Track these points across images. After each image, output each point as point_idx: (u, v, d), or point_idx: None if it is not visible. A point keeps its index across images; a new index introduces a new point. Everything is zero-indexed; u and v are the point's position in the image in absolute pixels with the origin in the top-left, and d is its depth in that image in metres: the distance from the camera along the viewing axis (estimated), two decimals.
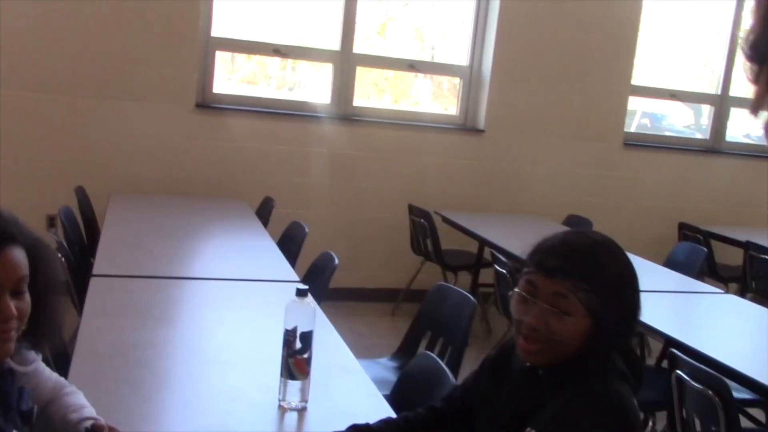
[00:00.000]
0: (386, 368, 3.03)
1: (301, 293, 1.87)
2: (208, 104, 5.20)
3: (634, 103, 6.34)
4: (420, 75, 6.07)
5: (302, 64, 5.92)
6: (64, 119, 4.87)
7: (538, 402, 1.46)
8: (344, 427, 1.64)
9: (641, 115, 6.87)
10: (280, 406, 1.90)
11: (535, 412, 1.45)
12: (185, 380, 2.07)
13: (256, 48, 5.51)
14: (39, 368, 1.60)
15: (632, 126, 6.57)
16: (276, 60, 5.79)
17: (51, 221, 4.77)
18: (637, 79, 6.14)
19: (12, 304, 1.29)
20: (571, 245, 1.48)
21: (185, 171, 5.15)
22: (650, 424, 3.27)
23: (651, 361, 4.09)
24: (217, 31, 5.23)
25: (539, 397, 1.47)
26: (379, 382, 2.44)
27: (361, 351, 4.59)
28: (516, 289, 1.50)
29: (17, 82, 4.73)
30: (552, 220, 5.43)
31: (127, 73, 4.92)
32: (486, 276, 5.02)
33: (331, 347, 2.39)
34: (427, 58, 6.08)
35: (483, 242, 4.87)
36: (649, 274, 3.98)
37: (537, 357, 1.47)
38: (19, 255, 1.32)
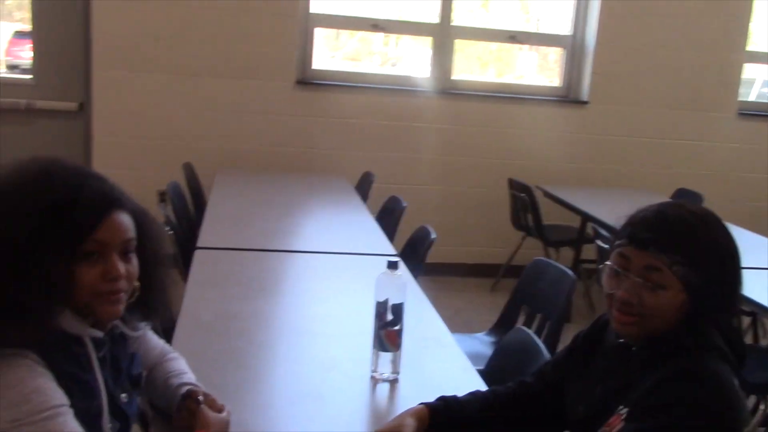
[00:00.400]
0: (482, 343, 3.02)
1: (392, 266, 1.88)
2: (309, 80, 5.27)
3: (752, 71, 6.00)
4: (525, 48, 5.94)
5: (405, 40, 5.90)
6: (172, 98, 5.06)
7: (631, 379, 1.42)
8: (433, 399, 1.65)
9: (762, 83, 6.49)
10: (372, 377, 1.93)
11: (628, 390, 1.41)
12: (282, 350, 2.13)
13: (354, 23, 5.54)
14: (148, 335, 1.68)
15: (751, 95, 6.21)
16: (380, 36, 5.80)
17: (161, 196, 4.98)
18: (755, 45, 5.80)
19: (120, 265, 1.35)
20: (666, 217, 1.41)
21: (287, 147, 5.26)
22: (761, 407, 3.12)
23: (765, 342, 3.90)
24: (315, 7, 5.29)
25: (632, 375, 1.43)
26: (474, 357, 2.43)
27: (460, 326, 4.59)
28: (607, 263, 1.46)
29: (130, 63, 4.95)
30: (659, 194, 5.23)
31: (230, 52, 5.05)
32: (589, 252, 4.90)
33: (425, 320, 2.40)
34: (532, 30, 5.94)
35: (585, 217, 4.75)
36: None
37: (631, 330, 1.42)
38: (125, 219, 1.38)
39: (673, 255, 1.37)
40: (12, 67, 5.30)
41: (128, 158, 5.06)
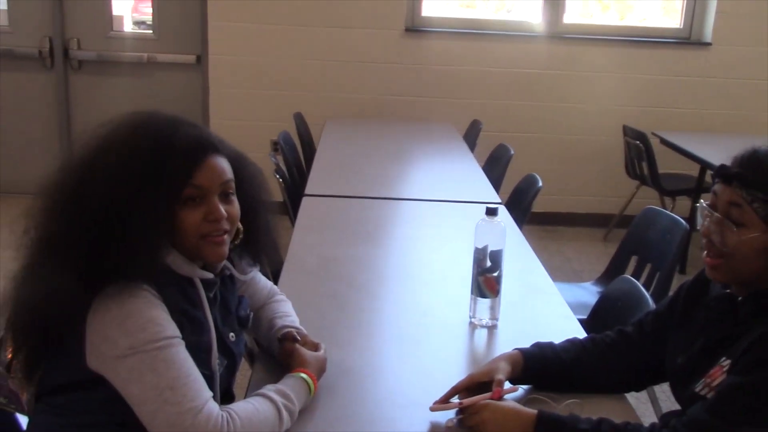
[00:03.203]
0: (589, 292, 2.97)
1: (491, 212, 1.88)
2: (417, 28, 5.24)
3: None
4: None
5: None
6: (283, 49, 5.15)
7: (735, 331, 1.37)
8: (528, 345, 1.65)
9: None
10: (470, 323, 1.95)
11: (731, 342, 1.37)
12: (382, 294, 2.18)
13: None
14: (256, 277, 1.76)
15: None
16: None
17: (275, 146, 5.13)
18: None
19: (221, 206, 1.42)
20: (759, 154, 1.36)
21: (395, 95, 5.27)
22: None
23: None
24: None
25: (736, 326, 1.38)
26: (578, 306, 2.40)
27: (570, 275, 4.52)
28: (703, 202, 1.41)
29: (243, 16, 5.07)
30: None
31: (340, 1, 5.08)
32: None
33: (527, 268, 2.39)
34: None
35: (704, 165, 4.53)
36: None
37: (717, 273, 1.39)
38: (222, 162, 1.43)
39: (754, 191, 1.31)
40: (139, 23, 5.53)
41: (243, 109, 5.21)
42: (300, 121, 4.76)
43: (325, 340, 1.66)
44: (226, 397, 1.54)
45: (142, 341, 1.29)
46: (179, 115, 1.46)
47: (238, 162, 1.49)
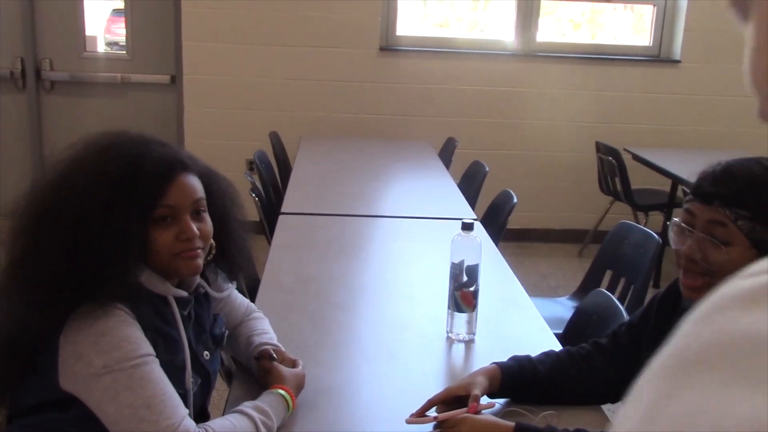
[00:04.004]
0: (564, 307, 2.99)
1: (466, 227, 1.89)
2: (392, 47, 5.28)
3: None
4: (619, 7, 5.74)
5: (493, 3, 5.79)
6: (258, 68, 5.16)
7: None
8: (506, 359, 1.66)
9: None
10: (448, 338, 1.95)
11: None
12: (359, 310, 2.18)
13: None
14: (233, 295, 1.75)
15: None
16: (468, 2, 5.73)
17: (251, 165, 5.12)
18: None
19: (193, 225, 1.42)
20: (733, 170, 1.37)
21: (370, 113, 5.29)
22: None
23: None
24: None
25: None
26: (554, 321, 2.42)
27: (546, 291, 4.55)
28: (674, 219, 1.42)
29: (217, 36, 5.08)
30: (755, 155, 4.99)
31: (313, 20, 5.10)
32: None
33: (503, 283, 2.40)
34: None
35: (676, 180, 4.59)
36: None
37: (698, 294, 1.39)
38: (192, 180, 1.43)
39: (737, 209, 1.32)
40: (111, 44, 5.51)
41: (218, 128, 5.21)
42: (276, 139, 4.76)
43: (303, 357, 1.66)
44: (201, 416, 1.54)
45: (116, 360, 1.29)
46: (148, 134, 1.46)
47: (209, 178, 1.49)
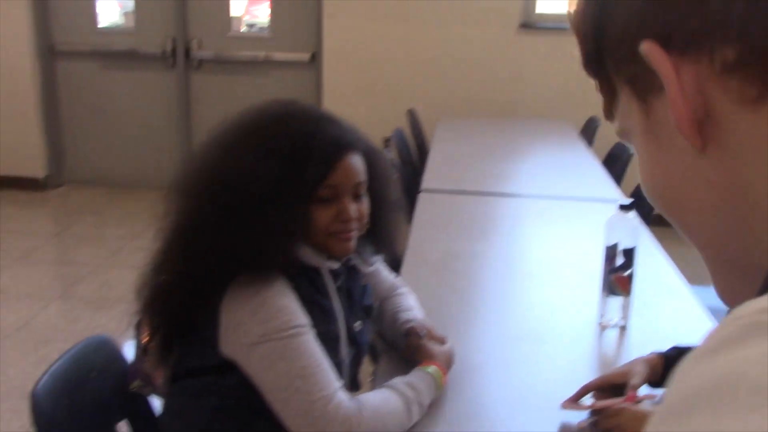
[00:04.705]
0: None
1: (624, 208, 1.80)
2: (532, 25, 5.13)
3: None
4: None
5: None
6: (396, 46, 5.16)
7: None
8: (666, 348, 1.56)
9: None
10: (599, 324, 1.87)
11: None
12: (506, 291, 2.13)
13: None
14: (379, 269, 1.75)
15: None
16: None
17: (386, 143, 5.14)
18: None
19: (352, 207, 1.41)
20: None
21: (509, 92, 5.18)
22: None
23: None
24: None
25: None
26: (714, 311, 2.27)
27: (703, 279, 4.31)
28: None
29: (357, 13, 5.11)
30: None
31: None
32: None
33: (657, 269, 2.28)
34: None
35: None
36: None
37: None
38: (357, 161, 1.43)
39: None
40: (250, 26, 5.67)
41: (356, 106, 5.24)
42: (413, 118, 4.75)
43: (450, 335, 1.63)
44: (352, 387, 1.54)
45: (273, 329, 1.30)
46: (317, 109, 1.47)
47: (372, 158, 1.48)
